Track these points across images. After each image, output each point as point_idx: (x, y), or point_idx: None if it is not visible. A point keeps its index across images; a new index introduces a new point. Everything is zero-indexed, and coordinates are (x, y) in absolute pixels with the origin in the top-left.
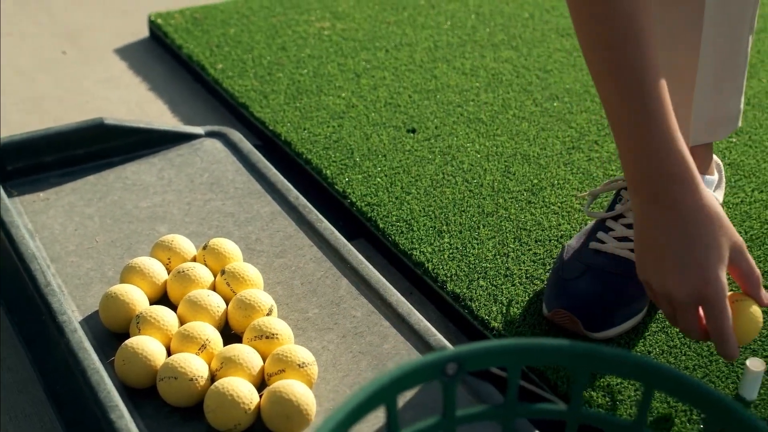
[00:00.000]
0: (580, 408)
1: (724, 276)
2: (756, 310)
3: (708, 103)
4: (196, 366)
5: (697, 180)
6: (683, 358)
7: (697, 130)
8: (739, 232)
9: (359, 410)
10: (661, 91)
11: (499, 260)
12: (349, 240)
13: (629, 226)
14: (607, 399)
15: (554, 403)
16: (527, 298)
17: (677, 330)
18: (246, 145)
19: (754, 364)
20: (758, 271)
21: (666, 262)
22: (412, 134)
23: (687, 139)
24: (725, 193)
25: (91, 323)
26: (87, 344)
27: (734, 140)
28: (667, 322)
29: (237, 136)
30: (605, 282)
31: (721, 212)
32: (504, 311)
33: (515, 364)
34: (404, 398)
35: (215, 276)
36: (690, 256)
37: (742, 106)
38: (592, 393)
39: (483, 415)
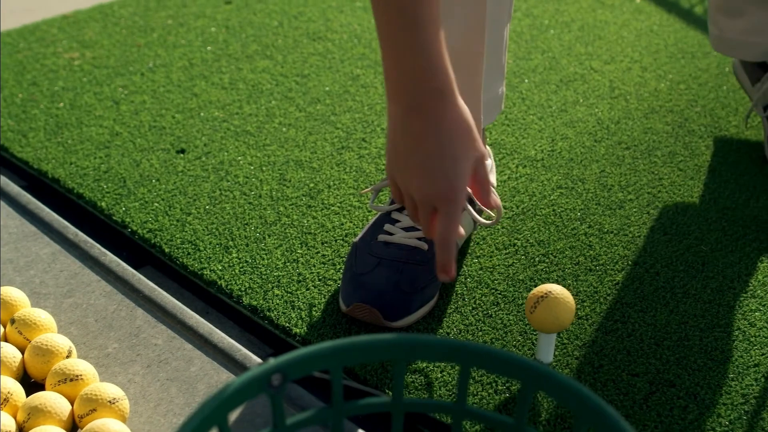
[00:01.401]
0: (402, 397)
1: (466, 186)
2: (567, 306)
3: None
4: (1, 422)
5: (456, 94)
6: (480, 333)
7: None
8: (510, 207)
9: None
10: (431, 3)
11: (290, 267)
12: (136, 269)
13: None
14: (417, 383)
15: (377, 396)
16: (324, 300)
17: (470, 309)
18: (13, 188)
19: None
20: (490, 180)
21: (415, 167)
22: (182, 155)
23: (479, 124)
24: None
25: None
26: None
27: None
28: (460, 303)
29: (1, 180)
30: (398, 271)
31: (473, 125)
32: (303, 316)
33: (337, 366)
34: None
35: (5, 326)
36: (439, 165)
37: (504, 89)
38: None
39: (312, 420)
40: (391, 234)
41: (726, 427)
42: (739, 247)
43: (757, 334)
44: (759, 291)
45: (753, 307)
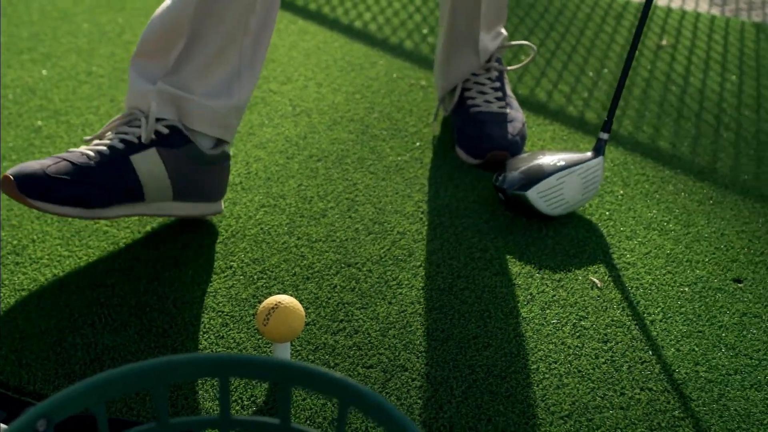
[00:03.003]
0: (168, 419)
1: None
2: (297, 313)
3: None
4: None
5: None
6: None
7: None
8: (220, 231)
9: None
10: None
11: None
12: None
13: None
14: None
15: (142, 425)
16: (54, 353)
17: (202, 333)
18: None
19: None
20: None
21: None
22: None
23: None
24: None
25: None
26: None
27: None
28: (190, 329)
29: None
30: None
31: None
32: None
33: (100, 400)
34: None
35: None
36: None
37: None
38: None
39: None
40: None
41: (459, 397)
42: (438, 234)
43: (469, 310)
44: (463, 271)
45: (462, 287)
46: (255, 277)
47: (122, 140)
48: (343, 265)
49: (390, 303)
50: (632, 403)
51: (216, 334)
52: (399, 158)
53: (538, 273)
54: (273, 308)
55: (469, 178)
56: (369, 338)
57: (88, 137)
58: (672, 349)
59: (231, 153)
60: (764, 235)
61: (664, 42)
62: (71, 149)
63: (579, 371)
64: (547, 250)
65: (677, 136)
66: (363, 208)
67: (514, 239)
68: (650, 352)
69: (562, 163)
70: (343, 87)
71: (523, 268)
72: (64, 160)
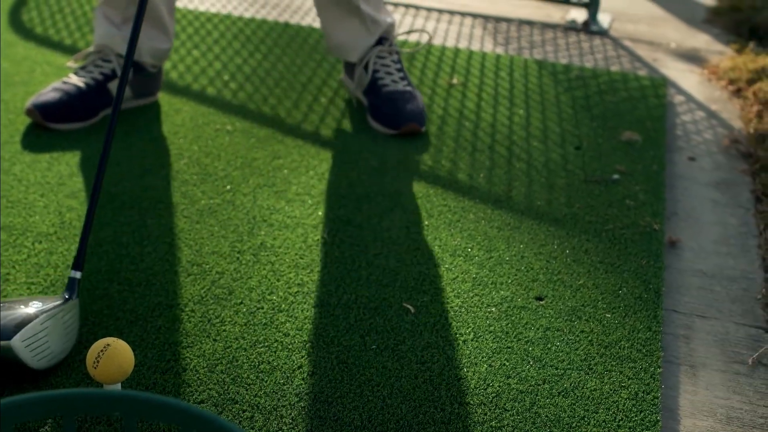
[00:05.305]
0: None
1: None
2: (126, 354)
3: None
4: None
5: None
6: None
7: None
8: (38, 282)
9: None
10: None
11: None
12: None
13: None
14: None
15: None
16: None
17: (30, 386)
18: None
19: None
20: None
21: None
22: None
23: None
24: None
25: None
26: None
27: None
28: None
29: None
30: None
31: None
32: None
33: None
34: None
35: None
36: None
37: None
38: None
39: None
40: None
41: (290, 425)
42: (256, 271)
43: (292, 341)
44: (283, 305)
45: (283, 320)
46: (79, 323)
47: (101, 73)
48: (165, 307)
49: (215, 340)
50: (453, 417)
51: (45, 382)
52: (211, 201)
53: (355, 303)
54: (102, 350)
55: (281, 217)
56: (197, 375)
57: (72, 64)
58: (485, 365)
59: (43, 205)
60: (560, 255)
61: (455, 81)
62: (66, 80)
63: (401, 392)
64: (362, 280)
65: (474, 168)
66: (180, 252)
67: (329, 272)
68: (465, 370)
69: (40, 305)
70: (150, 134)
71: (340, 299)
72: (65, 92)
